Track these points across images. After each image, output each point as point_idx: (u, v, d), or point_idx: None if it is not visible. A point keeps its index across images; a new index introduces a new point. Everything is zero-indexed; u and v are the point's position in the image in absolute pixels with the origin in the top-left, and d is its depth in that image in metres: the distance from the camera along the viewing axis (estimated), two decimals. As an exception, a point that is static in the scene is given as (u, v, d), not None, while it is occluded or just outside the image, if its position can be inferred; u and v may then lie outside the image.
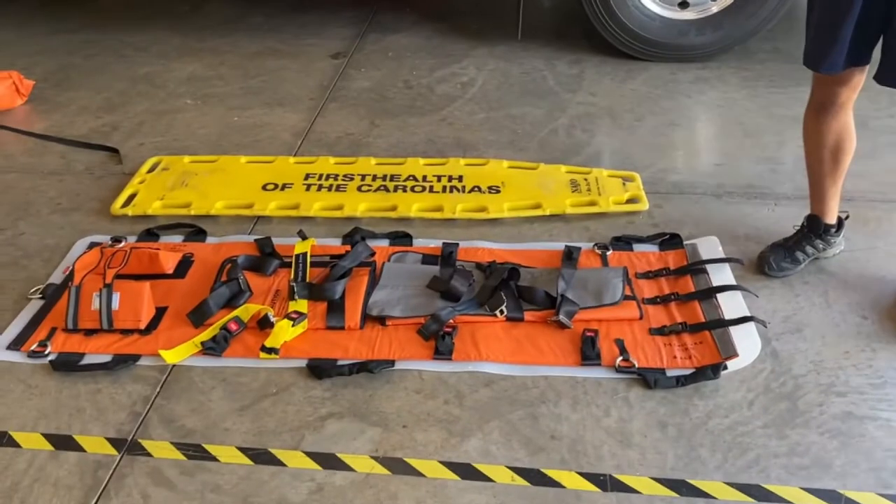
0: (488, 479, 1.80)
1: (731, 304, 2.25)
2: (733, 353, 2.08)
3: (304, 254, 2.45)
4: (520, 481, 1.80)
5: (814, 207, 2.40)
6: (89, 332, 2.22)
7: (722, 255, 2.44)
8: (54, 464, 1.87)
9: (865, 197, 2.76)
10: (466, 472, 1.82)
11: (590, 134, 3.30)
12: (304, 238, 2.54)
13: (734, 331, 2.15)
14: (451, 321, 2.21)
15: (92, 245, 2.63)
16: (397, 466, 1.84)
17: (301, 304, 2.27)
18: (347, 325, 2.22)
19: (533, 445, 1.89)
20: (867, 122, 3.10)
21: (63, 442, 1.92)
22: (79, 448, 1.90)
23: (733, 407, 1.98)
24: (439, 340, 2.14)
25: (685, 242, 2.53)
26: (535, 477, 1.81)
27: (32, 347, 2.18)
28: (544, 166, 2.98)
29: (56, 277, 2.47)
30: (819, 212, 2.39)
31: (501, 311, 2.23)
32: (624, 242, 2.56)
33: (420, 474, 1.82)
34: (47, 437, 1.93)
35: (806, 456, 1.85)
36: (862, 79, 2.15)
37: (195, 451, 1.88)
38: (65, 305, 2.24)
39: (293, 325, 2.17)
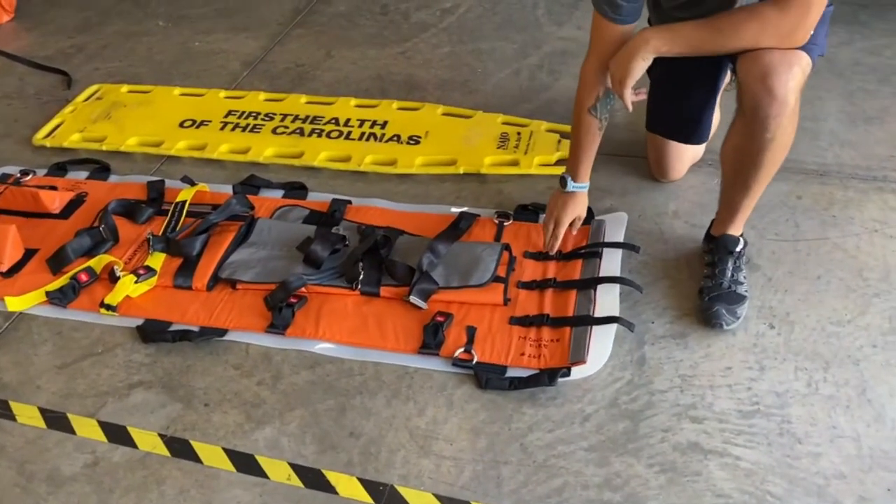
0: (263, 475, 1.68)
1: (607, 299, 1.96)
2: (580, 359, 1.81)
3: (183, 202, 2.34)
4: (295, 481, 1.67)
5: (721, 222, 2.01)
6: (-42, 270, 2.23)
7: (620, 238, 2.13)
8: None
9: (843, 172, 2.32)
10: (245, 463, 1.71)
11: (555, 76, 2.94)
12: (191, 184, 2.42)
13: (596, 331, 1.88)
14: (301, 290, 2.06)
15: (3, 176, 2.64)
16: (180, 448, 1.75)
17: (157, 259, 2.18)
18: (195, 286, 2.11)
19: (327, 442, 1.74)
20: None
21: None
22: None
23: (563, 421, 1.74)
24: (276, 313, 2.00)
25: (595, 218, 2.22)
26: (313, 479, 1.67)
27: None
28: (481, 115, 2.68)
29: (-46, 209, 2.49)
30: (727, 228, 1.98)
31: (356, 285, 2.05)
32: (531, 212, 2.28)
33: (198, 460, 1.72)
34: None
35: (619, 492, 1.60)
36: None
37: (-1, 408, 1.88)
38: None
39: (137, 282, 2.09)
